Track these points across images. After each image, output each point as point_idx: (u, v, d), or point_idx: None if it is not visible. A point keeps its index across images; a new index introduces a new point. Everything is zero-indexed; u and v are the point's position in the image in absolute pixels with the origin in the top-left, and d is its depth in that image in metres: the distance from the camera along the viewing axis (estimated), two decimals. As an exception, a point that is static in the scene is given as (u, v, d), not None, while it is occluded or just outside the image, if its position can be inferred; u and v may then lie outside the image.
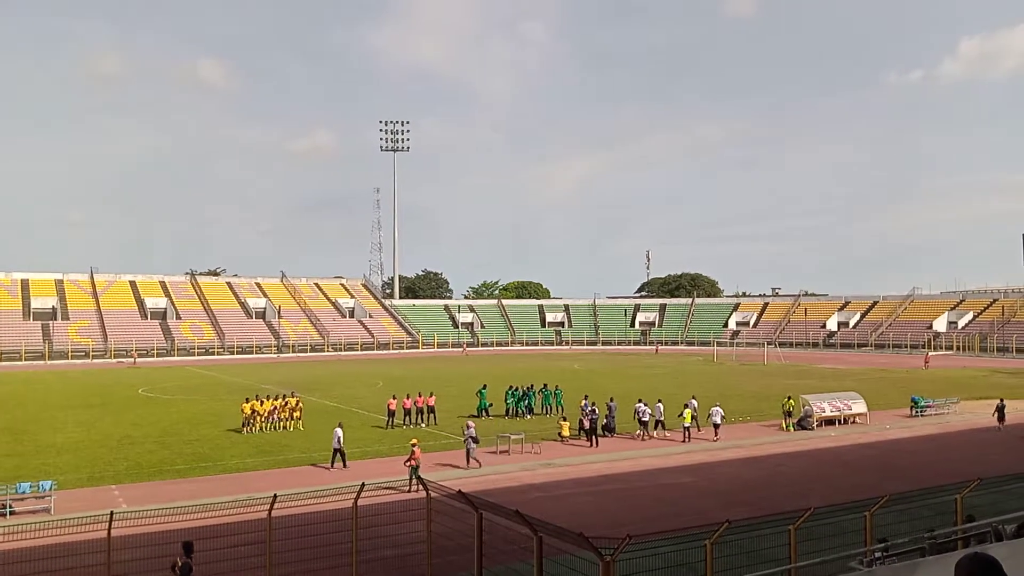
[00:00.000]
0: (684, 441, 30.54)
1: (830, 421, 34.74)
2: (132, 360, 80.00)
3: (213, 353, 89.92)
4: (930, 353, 79.40)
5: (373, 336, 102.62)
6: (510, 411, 37.73)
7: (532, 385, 39.92)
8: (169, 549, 14.18)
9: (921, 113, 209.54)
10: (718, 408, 31.91)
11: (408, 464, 22.37)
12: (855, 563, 11.71)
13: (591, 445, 29.73)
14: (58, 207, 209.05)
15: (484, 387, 39.30)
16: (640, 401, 32.61)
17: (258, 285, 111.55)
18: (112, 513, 13.22)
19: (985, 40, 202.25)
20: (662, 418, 32.08)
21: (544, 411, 38.42)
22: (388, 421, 34.13)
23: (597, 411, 31.13)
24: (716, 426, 31.43)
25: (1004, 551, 7.24)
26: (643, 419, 31.63)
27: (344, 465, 25.21)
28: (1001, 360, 78.65)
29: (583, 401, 32.67)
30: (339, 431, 25.65)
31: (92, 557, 13.03)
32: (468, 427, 26.38)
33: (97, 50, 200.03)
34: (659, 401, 32.71)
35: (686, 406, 31.50)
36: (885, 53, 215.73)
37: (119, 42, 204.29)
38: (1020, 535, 10.45)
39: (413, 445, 23.16)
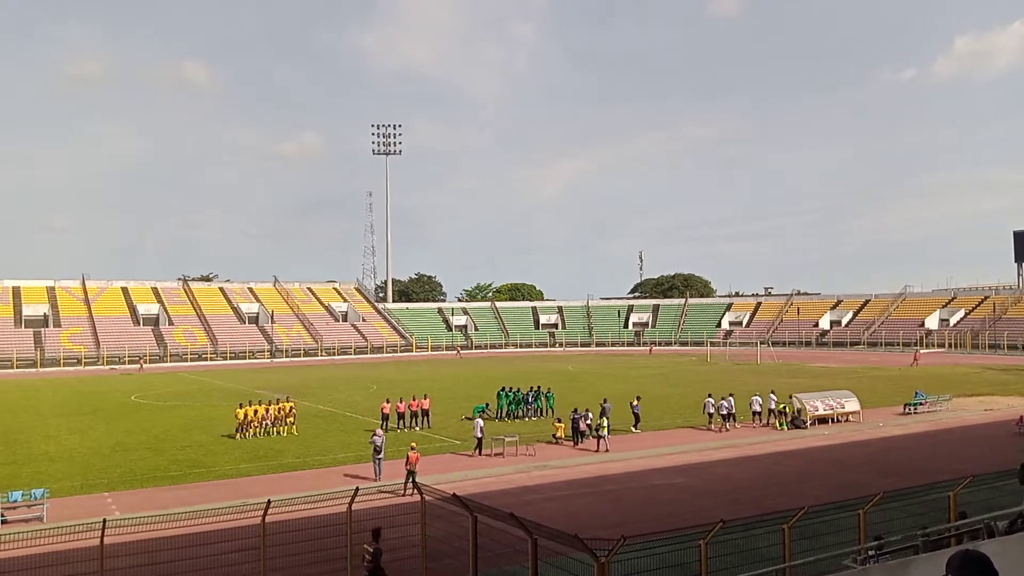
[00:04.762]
0: (597, 451, 28.62)
1: (823, 420, 34.86)
2: (138, 366, 79.67)
3: (206, 359, 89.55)
4: (921, 351, 79.74)
5: (367, 340, 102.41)
6: (502, 413, 37.75)
7: (530, 387, 39.92)
8: (163, 556, 14.13)
9: (913, 111, 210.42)
10: (757, 397, 34.61)
11: (408, 467, 22.43)
12: (849, 561, 11.75)
13: (574, 445, 30.05)
14: (48, 213, 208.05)
15: (502, 389, 39.24)
16: (709, 396, 34.44)
17: (251, 290, 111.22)
18: (105, 521, 13.17)
19: (978, 39, 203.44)
20: (733, 411, 33.89)
21: (538, 413, 38.44)
22: (382, 425, 34.08)
23: (585, 413, 31.49)
24: (756, 414, 34.06)
25: (996, 547, 7.28)
26: (721, 412, 33.54)
27: (480, 453, 28.38)
28: (992, 357, 79.00)
29: (603, 403, 32.76)
30: (480, 421, 29.59)
31: (85, 565, 12.97)
32: (375, 434, 25.42)
33: (81, 54, 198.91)
34: (730, 395, 34.79)
35: (602, 414, 30.03)
36: (878, 51, 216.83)
37: (103, 45, 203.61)
38: (1012, 531, 10.50)
39: (411, 449, 23.17)
